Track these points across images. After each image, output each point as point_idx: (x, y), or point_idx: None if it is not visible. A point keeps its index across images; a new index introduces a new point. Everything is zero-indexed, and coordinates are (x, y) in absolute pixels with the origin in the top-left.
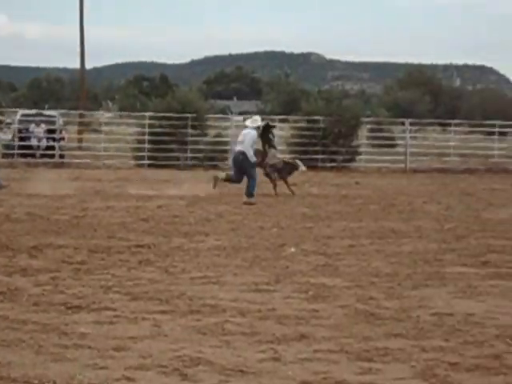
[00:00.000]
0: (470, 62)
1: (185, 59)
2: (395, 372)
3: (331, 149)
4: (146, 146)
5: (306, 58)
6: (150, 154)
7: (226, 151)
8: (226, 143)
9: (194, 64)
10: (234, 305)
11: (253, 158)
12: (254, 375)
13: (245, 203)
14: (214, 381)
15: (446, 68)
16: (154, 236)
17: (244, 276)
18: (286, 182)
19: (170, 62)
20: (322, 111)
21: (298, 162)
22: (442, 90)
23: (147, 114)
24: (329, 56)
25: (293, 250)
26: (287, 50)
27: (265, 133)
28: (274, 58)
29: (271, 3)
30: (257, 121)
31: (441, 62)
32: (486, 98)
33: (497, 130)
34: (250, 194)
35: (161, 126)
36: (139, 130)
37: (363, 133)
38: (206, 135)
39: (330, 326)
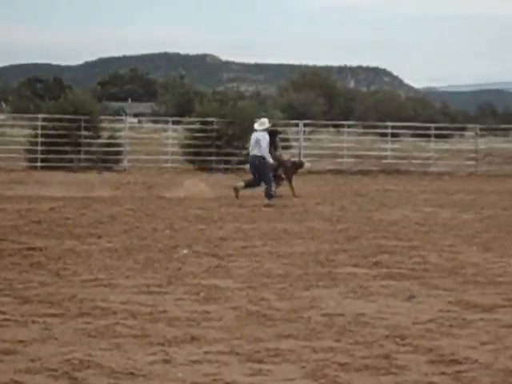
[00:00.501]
0: (364, 64)
1: (79, 61)
2: (285, 373)
3: (225, 151)
4: (39, 148)
5: (201, 60)
6: (42, 156)
7: (119, 153)
8: (119, 145)
9: (88, 66)
10: (125, 307)
11: (270, 161)
12: (144, 378)
13: (265, 206)
14: None
15: (341, 70)
16: (46, 238)
17: (136, 278)
18: (290, 182)
19: (64, 63)
20: (216, 113)
21: (303, 160)
22: (337, 92)
23: (40, 115)
24: (224, 57)
25: (185, 251)
26: (182, 51)
27: (270, 137)
28: (169, 59)
29: (167, 5)
30: (265, 123)
31: (335, 63)
32: (379, 99)
33: (389, 131)
34: (269, 196)
35: (54, 128)
36: (32, 131)
37: None
38: (99, 137)
39: (221, 328)
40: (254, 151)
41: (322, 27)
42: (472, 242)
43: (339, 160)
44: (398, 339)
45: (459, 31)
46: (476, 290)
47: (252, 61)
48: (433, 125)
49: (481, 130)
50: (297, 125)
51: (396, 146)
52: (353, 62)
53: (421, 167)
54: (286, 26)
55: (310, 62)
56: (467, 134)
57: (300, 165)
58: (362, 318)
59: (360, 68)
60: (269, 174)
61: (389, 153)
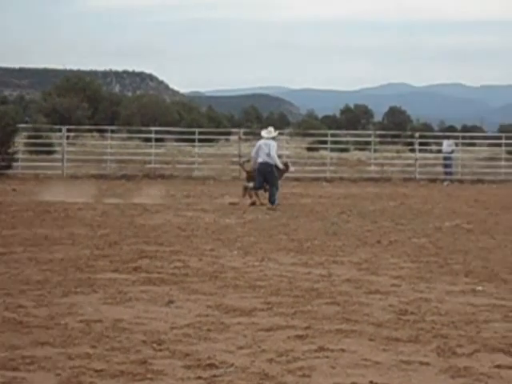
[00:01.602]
0: (130, 69)
1: None
2: (40, 381)
3: None
4: None
5: None
6: None
7: None
8: None
9: None
10: None
11: (280, 166)
12: None
13: (268, 209)
14: None
15: (106, 74)
16: None
17: None
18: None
19: None
20: None
21: (289, 164)
22: (101, 96)
23: None
24: None
25: None
26: None
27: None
28: None
29: None
30: (271, 132)
31: (100, 68)
32: (144, 103)
33: (153, 136)
34: (273, 201)
35: None
36: None
37: (21, 139)
38: None
39: None
40: (262, 158)
41: (88, 31)
42: (233, 245)
43: (103, 165)
44: (155, 344)
45: (226, 36)
46: (235, 293)
47: (16, 65)
48: (197, 129)
49: (245, 134)
50: (60, 130)
51: (160, 150)
52: (118, 67)
53: (185, 172)
54: (52, 30)
55: (75, 67)
56: (232, 138)
57: (285, 170)
58: (119, 324)
59: (125, 73)
60: (275, 181)
61: (153, 157)
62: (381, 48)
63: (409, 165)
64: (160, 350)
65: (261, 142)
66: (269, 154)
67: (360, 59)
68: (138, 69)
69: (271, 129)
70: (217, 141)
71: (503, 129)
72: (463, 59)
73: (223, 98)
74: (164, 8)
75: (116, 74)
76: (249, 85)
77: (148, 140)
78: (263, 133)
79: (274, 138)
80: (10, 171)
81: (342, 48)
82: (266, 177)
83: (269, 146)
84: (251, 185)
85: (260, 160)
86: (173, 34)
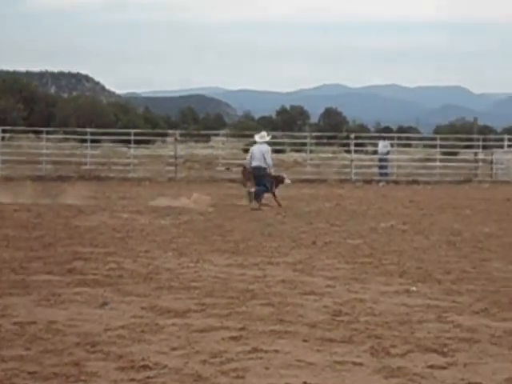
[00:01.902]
0: (66, 70)
1: None
2: None
3: None
4: None
5: None
6: None
7: None
8: None
9: None
10: None
11: (272, 171)
12: None
13: (252, 209)
14: None
15: (42, 75)
16: None
17: None
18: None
19: None
20: None
21: (284, 175)
22: (37, 98)
23: None
24: None
25: None
26: None
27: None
28: None
29: None
30: (264, 136)
31: (36, 69)
32: (80, 104)
33: (89, 137)
34: (258, 194)
35: None
36: None
37: None
38: None
39: None
40: (257, 162)
41: (24, 32)
42: (168, 247)
43: (39, 166)
44: (88, 346)
45: (163, 37)
46: (170, 295)
47: None
48: (133, 130)
49: (181, 135)
50: None
51: (96, 151)
52: (54, 68)
53: (121, 173)
54: None
55: (11, 68)
56: (169, 139)
57: (281, 180)
58: (53, 326)
59: (61, 74)
60: (267, 182)
61: (88, 159)
62: (317, 49)
63: (344, 166)
64: (93, 352)
65: (254, 147)
66: (264, 158)
67: (297, 60)
68: (73, 70)
69: (264, 133)
70: (153, 142)
71: (438, 130)
72: (399, 60)
73: (160, 99)
74: (101, 8)
75: (52, 74)
76: (185, 86)
77: (84, 141)
78: (256, 137)
79: (267, 143)
80: None
81: (278, 49)
82: (259, 178)
83: (263, 151)
84: (253, 189)
85: (254, 164)
86: (110, 34)
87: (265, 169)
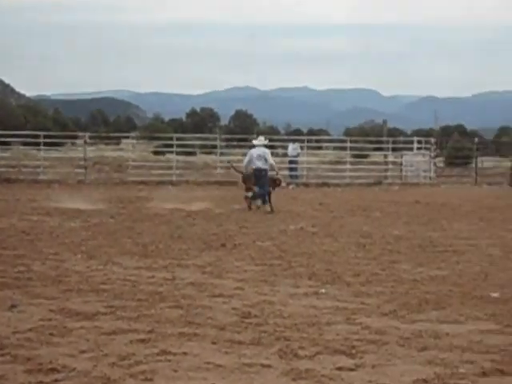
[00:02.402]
0: None
1: None
2: None
3: None
4: None
5: None
6: None
7: None
8: None
9: None
10: None
11: (276, 171)
12: None
13: (245, 198)
14: None
15: None
16: None
17: None
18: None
19: None
20: None
21: (281, 178)
22: None
23: None
24: None
25: None
26: None
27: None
28: None
29: None
30: (262, 140)
31: None
32: None
33: None
34: (254, 198)
35: None
36: None
37: None
38: None
39: None
40: (257, 164)
41: None
42: (77, 249)
43: None
44: None
45: (73, 39)
46: (79, 297)
47: None
48: (42, 133)
49: (90, 137)
50: None
51: (6, 154)
52: None
53: (30, 175)
54: None
55: None
56: (78, 141)
57: (278, 182)
58: None
59: None
60: (266, 185)
61: None
62: (228, 51)
63: None
64: (1, 355)
65: (253, 150)
66: (265, 160)
67: (207, 63)
68: None
69: (261, 137)
70: (63, 144)
71: (348, 132)
72: (310, 63)
73: (70, 102)
74: (10, 10)
75: None
76: (95, 88)
77: None
78: (255, 142)
79: (265, 146)
80: None
81: (188, 51)
82: (259, 180)
83: (264, 153)
84: (250, 194)
85: (254, 166)
86: (19, 36)
87: (266, 170)
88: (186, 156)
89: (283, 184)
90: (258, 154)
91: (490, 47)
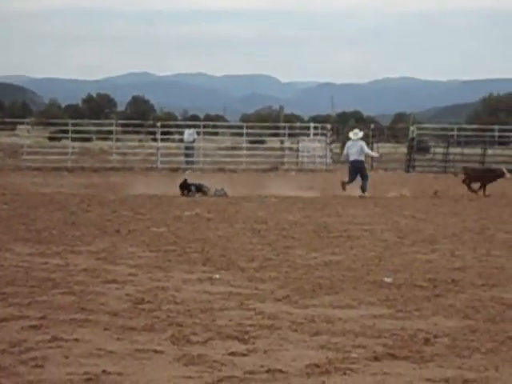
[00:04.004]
0: None
1: None
2: None
3: None
4: None
5: None
6: None
7: None
8: None
9: None
10: None
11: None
12: None
13: (360, 197)
14: None
15: None
16: None
17: None
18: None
19: None
20: None
21: (504, 170)
22: None
23: None
24: None
25: None
26: None
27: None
28: None
29: None
30: (358, 134)
31: None
32: None
33: None
34: (365, 189)
35: None
36: None
37: None
38: None
39: None
40: (354, 156)
41: None
42: None
43: None
44: None
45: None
46: None
47: None
48: None
49: None
50: None
51: None
52: None
53: None
54: None
55: None
56: None
57: (501, 173)
58: None
59: None
60: (366, 173)
61: None
62: (123, 37)
63: (151, 154)
64: None
65: (349, 143)
66: (361, 153)
67: (102, 48)
68: None
69: (357, 131)
70: None
71: (245, 118)
72: (206, 49)
73: None
74: None
75: None
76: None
77: None
78: (351, 135)
79: (361, 139)
80: None
81: (83, 36)
82: (358, 171)
83: (359, 145)
84: (347, 180)
85: (351, 159)
86: None
87: (362, 162)
88: (82, 142)
89: (507, 175)
90: (355, 146)
91: (388, 35)
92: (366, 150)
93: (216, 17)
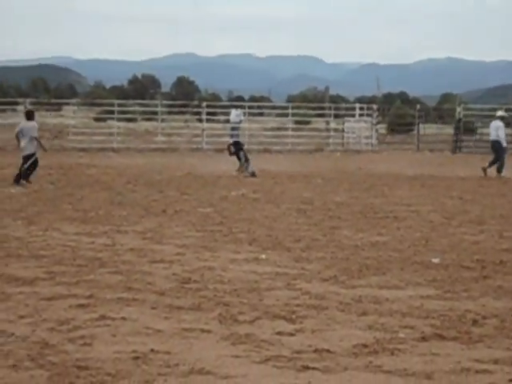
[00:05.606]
0: None
1: None
2: None
3: None
4: None
5: None
6: None
7: None
8: None
9: None
10: None
11: (505, 144)
12: None
13: (496, 177)
14: None
15: None
16: None
17: None
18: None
19: None
20: None
21: None
22: None
23: None
24: None
25: None
26: None
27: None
28: None
29: None
30: (499, 112)
31: None
32: None
33: None
34: (501, 171)
35: None
36: None
37: None
38: None
39: None
40: (492, 137)
41: None
42: (17, 215)
43: None
44: None
45: (13, 6)
46: (18, 263)
47: None
48: None
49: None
50: None
51: None
52: None
53: None
54: None
55: None
56: (19, 108)
57: None
58: None
59: None
60: (503, 155)
61: None
62: (168, 19)
63: (196, 135)
64: None
65: (492, 123)
66: (498, 133)
67: (146, 29)
68: None
69: (500, 111)
70: (4, 111)
71: (290, 99)
72: (252, 30)
73: (10, 69)
74: None
75: None
76: (36, 55)
77: None
78: (499, 113)
79: (502, 118)
80: None
81: (129, 18)
82: (494, 151)
83: (497, 127)
84: (486, 165)
85: (491, 138)
86: None
87: (498, 142)
88: (127, 123)
89: None
90: (493, 127)
91: (433, 16)
92: (502, 135)
93: None
